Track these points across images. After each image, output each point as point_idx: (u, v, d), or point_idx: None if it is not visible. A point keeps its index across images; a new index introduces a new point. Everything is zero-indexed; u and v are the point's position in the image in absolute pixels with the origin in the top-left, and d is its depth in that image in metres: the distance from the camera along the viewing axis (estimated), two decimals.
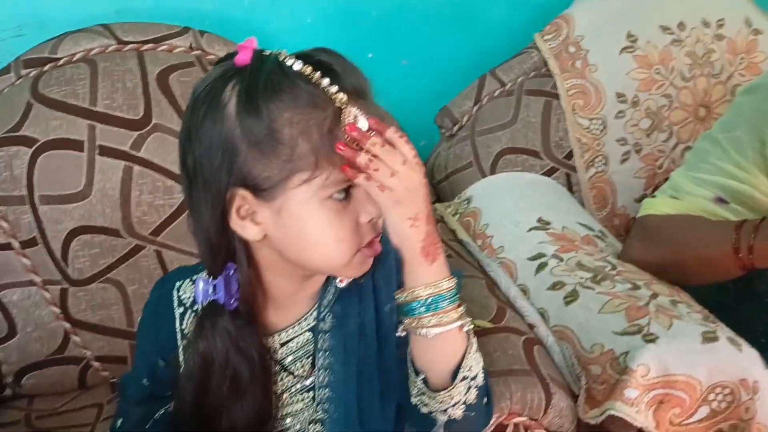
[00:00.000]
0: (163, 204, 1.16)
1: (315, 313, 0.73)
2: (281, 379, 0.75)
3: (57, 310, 1.15)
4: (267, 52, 0.63)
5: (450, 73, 1.56)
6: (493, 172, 1.34)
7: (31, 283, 1.13)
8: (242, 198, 0.62)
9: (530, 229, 1.09)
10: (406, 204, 0.60)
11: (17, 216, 1.11)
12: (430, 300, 0.62)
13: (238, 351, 0.70)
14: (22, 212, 1.11)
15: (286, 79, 0.59)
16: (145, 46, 1.20)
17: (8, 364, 1.15)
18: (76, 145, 1.12)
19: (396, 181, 0.59)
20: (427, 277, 0.62)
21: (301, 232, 0.62)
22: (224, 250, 0.65)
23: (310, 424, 0.76)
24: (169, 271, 1.17)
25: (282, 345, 0.74)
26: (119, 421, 0.84)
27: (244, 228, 0.63)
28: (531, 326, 0.87)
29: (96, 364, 1.20)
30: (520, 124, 1.36)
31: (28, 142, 1.11)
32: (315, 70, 0.60)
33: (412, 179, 0.59)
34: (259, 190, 0.61)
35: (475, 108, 1.44)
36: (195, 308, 0.75)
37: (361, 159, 0.59)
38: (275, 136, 0.59)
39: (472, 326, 0.65)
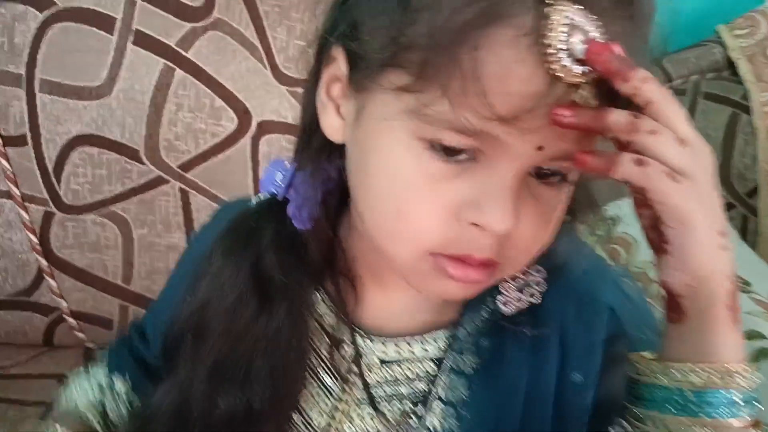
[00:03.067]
0: (205, 130, 0.89)
1: (449, 337, 0.48)
2: (359, 415, 0.49)
3: (34, 238, 0.90)
4: None
5: None
6: None
7: (8, 195, 0.89)
8: (336, 63, 0.42)
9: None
10: (711, 206, 0.36)
11: (6, 100, 0.87)
12: (711, 393, 0.37)
13: (260, 300, 0.48)
14: (14, 96, 0.87)
15: None
16: None
17: None
18: (105, 23, 0.87)
19: (691, 160, 0.36)
20: (725, 348, 0.37)
21: (368, 166, 0.41)
22: (314, 140, 0.46)
23: None
24: (192, 218, 0.92)
25: (384, 364, 0.49)
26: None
27: (325, 110, 0.44)
28: None
29: (71, 320, 0.95)
30: None
31: (41, 2, 0.85)
32: None
33: (709, 157, 0.37)
34: (355, 61, 0.41)
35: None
36: None
37: (618, 115, 0.36)
38: None
39: None
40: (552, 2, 0.34)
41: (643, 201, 0.37)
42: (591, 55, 0.34)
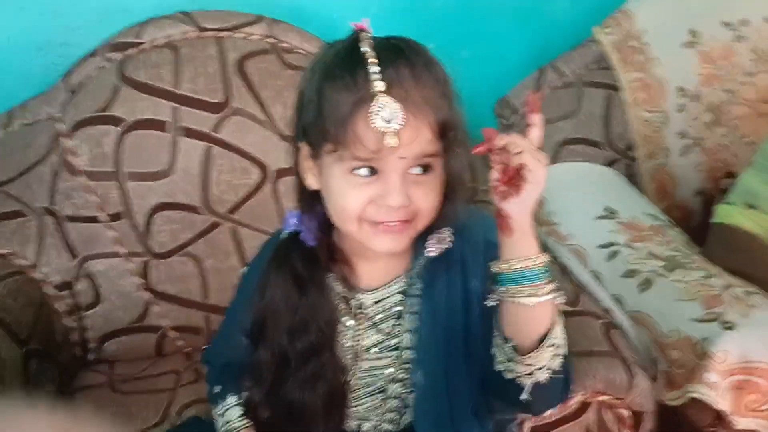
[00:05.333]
0: (240, 183, 1.22)
1: (406, 277, 0.78)
2: (369, 336, 0.80)
3: (139, 280, 1.22)
4: (362, 32, 0.68)
5: (510, 65, 1.59)
6: (554, 162, 1.37)
7: (117, 254, 1.20)
8: (303, 151, 0.72)
9: (598, 218, 1.12)
10: (545, 179, 0.63)
11: (106, 191, 1.18)
12: (529, 271, 0.65)
13: (301, 290, 0.78)
14: (111, 187, 1.18)
15: (348, 56, 0.67)
16: (223, 33, 1.25)
17: (93, 330, 1.23)
18: (160, 126, 1.18)
19: (542, 156, 0.63)
20: (527, 250, 0.65)
21: (328, 192, 0.71)
22: (305, 194, 0.75)
23: (390, 382, 0.82)
24: (243, 246, 1.24)
25: (375, 303, 0.80)
26: (215, 389, 0.90)
27: (306, 175, 0.74)
28: (606, 311, 0.91)
29: (172, 333, 1.27)
30: (583, 115, 1.39)
31: (116, 121, 1.17)
32: (377, 56, 0.65)
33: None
34: (311, 146, 0.71)
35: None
36: None
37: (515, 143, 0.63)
38: (320, 102, 0.67)
39: (562, 300, 0.68)
40: (375, 97, 0.63)
41: (503, 169, 0.63)
42: (485, 134, 0.64)
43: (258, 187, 1.22)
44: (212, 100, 1.20)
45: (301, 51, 1.28)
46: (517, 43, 1.58)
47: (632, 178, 1.38)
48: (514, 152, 0.63)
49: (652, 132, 1.38)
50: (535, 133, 0.65)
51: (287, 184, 1.22)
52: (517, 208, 0.64)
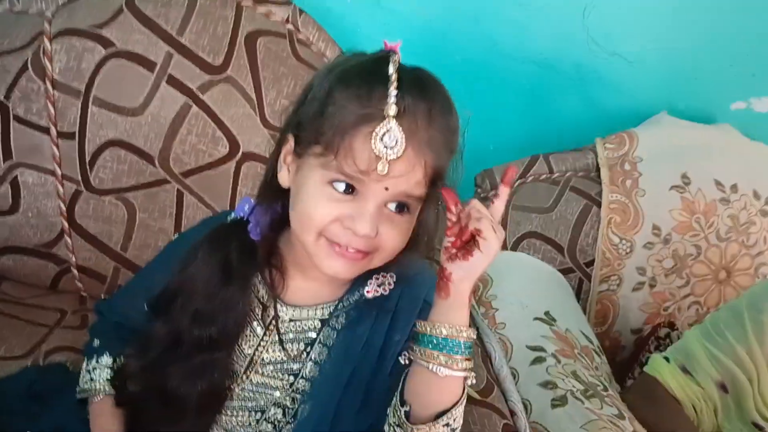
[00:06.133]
0: (206, 151, 1.16)
1: (332, 308, 0.76)
2: (272, 351, 0.76)
3: (63, 207, 1.15)
4: (395, 51, 0.67)
5: (506, 141, 1.59)
6: (513, 249, 1.35)
7: (52, 173, 1.13)
8: (289, 143, 0.70)
9: (536, 318, 1.10)
10: (498, 250, 0.63)
11: (66, 106, 1.12)
12: (451, 341, 0.63)
13: (225, 279, 0.74)
14: (73, 105, 1.12)
15: (371, 70, 0.65)
16: (247, 2, 1.21)
17: None
18: (148, 65, 1.13)
19: (498, 226, 0.63)
20: (458, 318, 0.63)
21: (298, 194, 0.69)
22: (271, 186, 0.73)
23: (273, 405, 0.77)
24: (182, 213, 1.18)
25: (291, 321, 0.76)
26: (94, 342, 0.84)
27: (281, 169, 0.71)
28: (512, 413, 0.88)
29: (75, 272, 1.19)
30: (556, 216, 1.38)
31: (105, 43, 1.12)
32: (399, 79, 0.63)
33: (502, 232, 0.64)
34: (298, 141, 0.69)
35: (518, 182, 1.46)
36: None
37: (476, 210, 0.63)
38: (326, 102, 0.65)
39: (472, 382, 0.66)
40: (384, 119, 0.62)
41: (458, 232, 0.62)
42: (445, 194, 0.64)
43: (221, 162, 1.17)
44: (209, 60, 1.15)
45: (314, 48, 1.25)
46: (521, 122, 1.58)
47: (579, 293, 1.38)
48: (474, 216, 0.62)
49: (614, 257, 1.38)
50: (499, 205, 0.65)
51: (251, 169, 1.18)
52: (461, 273, 0.62)
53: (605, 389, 0.99)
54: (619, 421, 0.90)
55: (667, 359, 1.08)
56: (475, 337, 0.65)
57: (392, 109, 0.62)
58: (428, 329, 0.64)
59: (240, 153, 1.17)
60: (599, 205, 1.40)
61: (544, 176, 1.44)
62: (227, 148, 1.16)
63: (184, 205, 1.18)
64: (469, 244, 0.62)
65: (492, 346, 0.96)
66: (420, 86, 0.65)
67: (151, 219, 1.18)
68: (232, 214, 0.81)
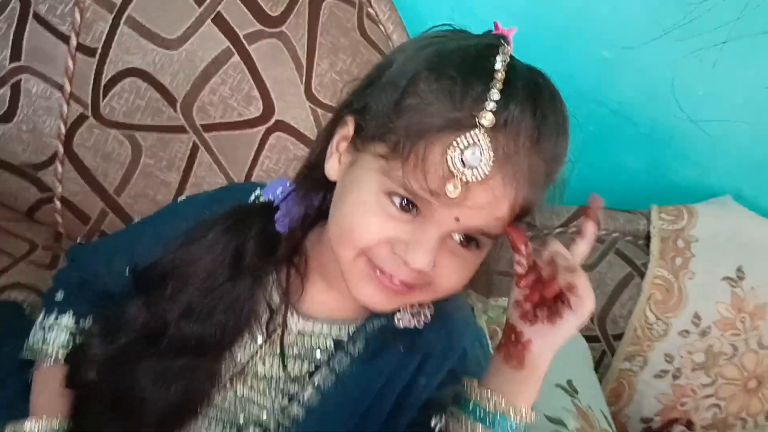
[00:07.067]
0: (235, 108, 1.03)
1: (352, 330, 0.63)
2: (269, 365, 0.63)
3: (63, 128, 1.01)
4: (507, 40, 0.54)
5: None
6: None
7: (60, 87, 1.00)
8: (347, 128, 0.57)
9: (557, 385, 0.98)
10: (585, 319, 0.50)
11: (95, 18, 0.98)
12: (503, 419, 0.51)
13: (234, 271, 0.61)
14: (102, 18, 0.99)
15: (473, 60, 0.52)
16: None
17: None
18: None
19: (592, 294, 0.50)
20: (523, 396, 0.52)
21: (345, 196, 0.55)
22: (314, 174, 0.60)
23: (254, 426, 0.63)
24: (192, 170, 1.05)
25: (299, 334, 0.63)
26: (58, 294, 0.70)
27: (331, 156, 0.58)
28: None
29: (57, 203, 1.06)
30: (594, 277, 1.25)
31: None
32: (507, 80, 0.50)
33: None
34: (359, 130, 0.55)
35: (558, 230, 1.33)
36: None
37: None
38: (407, 91, 0.51)
39: None
40: (474, 128, 0.48)
41: (534, 283, 0.50)
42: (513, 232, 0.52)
43: (249, 124, 1.04)
44: (266, 9, 1.02)
45: (381, 27, 1.12)
46: (576, 166, 1.44)
47: (598, 366, 1.26)
48: (564, 265, 0.49)
49: (645, 337, 1.25)
50: (583, 248, 0.51)
51: (279, 141, 1.05)
52: (542, 342, 0.50)
53: None
54: None
55: None
56: (535, 420, 0.52)
57: (487, 118, 0.48)
58: (478, 396, 0.52)
59: (273, 120, 1.03)
60: (642, 276, 1.27)
61: None
62: (260, 111, 1.03)
63: (196, 162, 1.05)
64: (550, 301, 0.49)
65: None
66: (533, 94, 0.51)
67: (156, 168, 1.04)
68: (258, 191, 0.67)
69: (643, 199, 1.38)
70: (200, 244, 0.62)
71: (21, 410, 0.64)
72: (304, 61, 1.03)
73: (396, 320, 0.61)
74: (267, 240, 0.62)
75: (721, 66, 1.32)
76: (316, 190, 0.60)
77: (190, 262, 0.62)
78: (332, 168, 0.58)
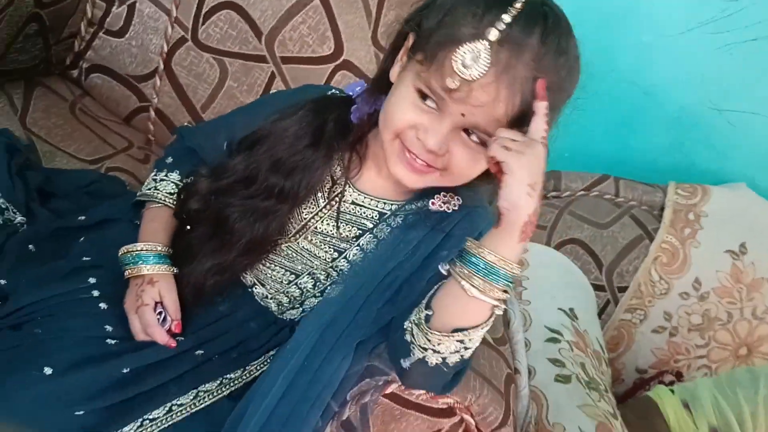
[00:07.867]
0: (311, 45, 1.19)
1: (394, 207, 0.78)
2: (326, 223, 0.78)
3: (165, 47, 1.18)
4: None
5: (582, 152, 1.57)
6: (556, 248, 1.36)
7: (168, 12, 1.17)
8: (408, 41, 0.70)
9: (560, 309, 1.11)
10: (530, 171, 0.61)
11: None
12: (492, 268, 0.63)
13: (314, 140, 0.77)
14: None
15: None
16: None
17: (95, 51, 1.20)
18: None
19: (527, 147, 0.61)
20: (506, 250, 0.63)
21: (393, 92, 0.70)
22: (383, 78, 0.73)
23: (307, 275, 0.80)
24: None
25: (353, 203, 0.78)
26: (168, 159, 0.87)
27: (395, 65, 0.71)
28: (516, 370, 0.89)
29: (152, 113, 1.23)
30: (607, 234, 1.39)
31: None
32: (521, 9, 0.62)
33: (541, 152, 0.62)
34: (416, 42, 0.68)
35: (580, 193, 1.47)
36: None
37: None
38: (447, 12, 0.65)
39: (499, 312, 0.66)
40: (476, 43, 0.61)
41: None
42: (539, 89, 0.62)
43: (320, 61, 1.19)
44: None
45: None
46: (605, 140, 1.56)
47: (601, 313, 1.37)
48: (497, 144, 0.62)
49: (648, 293, 1.37)
50: (538, 122, 0.62)
51: (344, 78, 1.19)
52: (503, 201, 0.62)
53: (606, 390, 1.00)
54: (611, 419, 0.91)
55: (672, 391, 1.08)
56: (519, 273, 0.64)
57: (492, 34, 0.61)
58: (476, 251, 0.64)
59: (341, 59, 1.19)
60: (652, 239, 1.40)
61: (608, 196, 1.45)
62: (331, 50, 1.18)
63: (272, 89, 1.20)
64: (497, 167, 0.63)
65: (513, 312, 0.97)
66: (539, 21, 0.63)
67: (238, 90, 1.20)
68: (333, 90, 0.83)
69: (663, 176, 1.50)
70: (291, 119, 0.78)
71: (132, 239, 0.81)
72: (374, 11, 1.18)
73: (430, 203, 0.77)
74: (342, 125, 0.78)
75: (750, 61, 1.44)
76: (383, 92, 0.73)
77: (282, 129, 0.78)
78: (393, 73, 0.72)
